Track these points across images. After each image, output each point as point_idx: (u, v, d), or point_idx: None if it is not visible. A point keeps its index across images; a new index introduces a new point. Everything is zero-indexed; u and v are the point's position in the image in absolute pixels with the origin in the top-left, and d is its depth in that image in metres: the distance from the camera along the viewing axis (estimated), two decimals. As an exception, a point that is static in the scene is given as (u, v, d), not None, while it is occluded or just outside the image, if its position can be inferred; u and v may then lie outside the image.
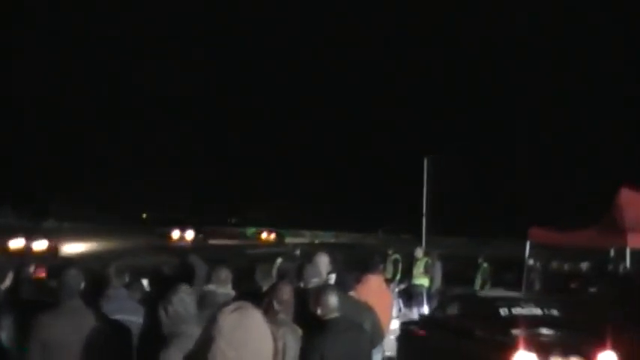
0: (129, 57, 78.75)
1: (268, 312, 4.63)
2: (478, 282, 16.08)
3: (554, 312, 9.40)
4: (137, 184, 62.54)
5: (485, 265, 16.46)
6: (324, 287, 5.27)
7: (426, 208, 19.03)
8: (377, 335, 6.03)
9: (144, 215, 60.98)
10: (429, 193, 19.07)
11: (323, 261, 6.66)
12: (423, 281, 15.66)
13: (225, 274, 4.59)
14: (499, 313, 9.02)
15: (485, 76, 69.43)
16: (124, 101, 74.90)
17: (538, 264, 15.86)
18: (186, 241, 38.18)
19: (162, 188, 63.01)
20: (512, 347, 7.99)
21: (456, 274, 18.57)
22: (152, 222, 50.44)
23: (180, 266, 6.41)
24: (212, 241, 38.65)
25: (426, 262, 15.83)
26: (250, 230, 52.09)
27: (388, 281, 12.33)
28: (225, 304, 4.17)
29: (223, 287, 4.50)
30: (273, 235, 47.96)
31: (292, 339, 4.54)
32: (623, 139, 51.57)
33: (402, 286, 15.81)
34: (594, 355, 7.98)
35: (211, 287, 4.48)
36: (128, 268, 6.82)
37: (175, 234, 39.25)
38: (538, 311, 9.35)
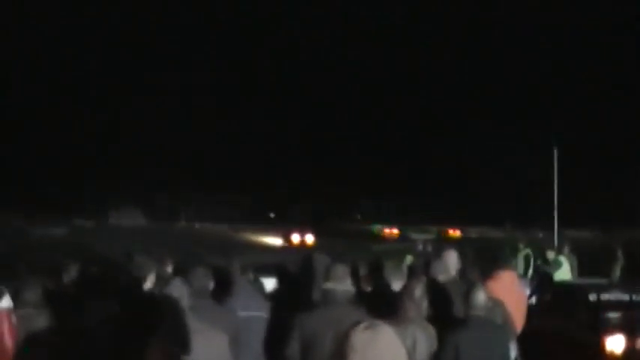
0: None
1: (399, 310, 4.56)
2: (616, 274, 15.18)
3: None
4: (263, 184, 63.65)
5: (620, 255, 15.56)
6: (474, 284, 5.18)
7: (557, 200, 18.21)
8: (509, 332, 5.80)
9: (271, 215, 62.03)
10: (559, 185, 18.29)
11: (451, 257, 6.47)
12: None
13: (342, 270, 4.50)
14: (588, 298, 9.51)
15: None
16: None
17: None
18: (307, 244, 36.63)
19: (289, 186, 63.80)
20: (602, 330, 8.58)
21: (592, 268, 17.68)
22: (278, 221, 50.75)
23: (303, 263, 6.39)
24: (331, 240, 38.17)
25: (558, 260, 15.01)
26: (376, 227, 51.68)
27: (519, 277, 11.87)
28: (345, 306, 4.25)
29: (342, 284, 4.43)
30: (395, 231, 46.80)
31: (423, 337, 4.46)
32: None
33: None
34: None
35: (329, 285, 4.41)
36: (251, 265, 6.94)
37: (295, 238, 38.03)
38: (625, 296, 9.75)
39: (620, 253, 15.79)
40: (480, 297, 4.74)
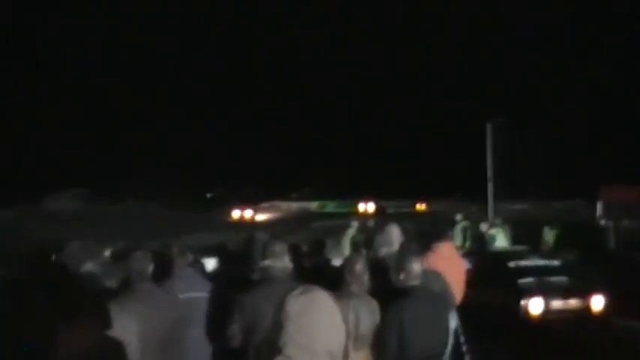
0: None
1: (341, 285, 4.53)
2: (548, 244, 15.68)
3: (556, 262, 10.97)
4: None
5: (552, 228, 16.07)
6: (407, 254, 5.12)
7: (492, 174, 18.58)
8: (448, 302, 5.86)
9: (208, 195, 61.48)
10: (494, 159, 18.64)
11: (394, 231, 6.48)
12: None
13: (279, 247, 4.51)
14: (508, 265, 10.44)
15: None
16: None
17: (610, 223, 15.37)
18: (246, 219, 37.39)
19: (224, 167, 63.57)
20: (521, 294, 9.39)
21: (526, 239, 18.26)
22: (217, 201, 50.37)
23: (242, 243, 6.33)
24: (269, 216, 38.36)
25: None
26: (329, 204, 51.58)
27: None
28: (284, 282, 4.20)
29: (280, 261, 4.42)
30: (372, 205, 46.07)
31: (365, 310, 4.46)
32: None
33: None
34: (589, 297, 9.53)
35: (267, 262, 4.41)
36: (190, 247, 6.84)
37: (235, 214, 38.41)
38: (542, 262, 10.87)
39: (554, 223, 16.36)
40: (416, 267, 4.73)
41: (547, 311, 9.34)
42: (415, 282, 4.70)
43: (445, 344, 4.69)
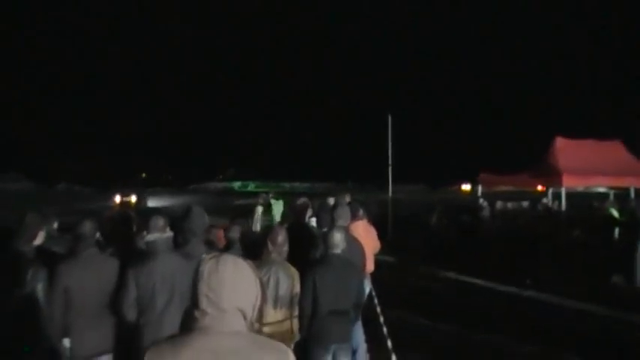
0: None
1: (263, 253, 4.80)
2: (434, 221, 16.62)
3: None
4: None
5: (439, 207, 17.08)
6: (332, 227, 5.41)
7: (391, 159, 19.17)
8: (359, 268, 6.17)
9: (143, 175, 59.79)
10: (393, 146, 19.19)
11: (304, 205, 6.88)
12: None
13: (162, 221, 4.58)
14: None
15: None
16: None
17: (486, 204, 16.31)
18: (131, 204, 35.48)
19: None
20: None
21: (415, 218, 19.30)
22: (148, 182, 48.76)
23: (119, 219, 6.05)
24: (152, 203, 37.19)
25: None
26: (237, 184, 51.29)
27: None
28: (169, 253, 4.31)
29: (163, 234, 4.55)
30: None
31: (284, 274, 4.69)
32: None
33: None
34: None
35: (151, 237, 4.52)
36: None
37: (117, 199, 36.43)
38: None
39: (439, 206, 17.42)
40: (337, 237, 5.00)
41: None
42: (336, 251, 4.98)
43: (350, 302, 4.97)
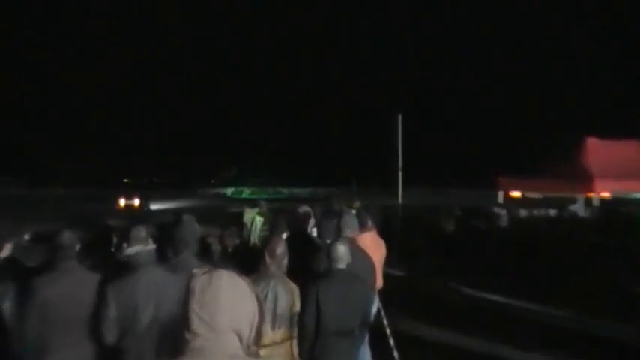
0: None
1: (261, 266, 4.48)
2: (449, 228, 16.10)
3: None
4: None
5: (456, 211, 16.59)
6: (336, 239, 5.14)
7: (402, 162, 18.72)
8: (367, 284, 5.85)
9: (125, 180, 59.37)
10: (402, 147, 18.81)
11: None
12: None
13: (143, 233, 4.37)
14: None
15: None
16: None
17: (504, 211, 15.75)
18: (135, 207, 35.34)
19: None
20: None
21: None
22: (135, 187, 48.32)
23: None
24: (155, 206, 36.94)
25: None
26: (230, 190, 51.35)
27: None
28: (151, 266, 4.05)
29: (144, 246, 4.30)
30: None
31: (283, 290, 4.43)
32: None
33: None
34: None
35: (132, 250, 4.24)
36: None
37: (122, 202, 36.09)
38: None
39: (456, 210, 16.79)
40: (341, 250, 4.76)
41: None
42: (341, 265, 4.74)
43: (356, 321, 4.73)
